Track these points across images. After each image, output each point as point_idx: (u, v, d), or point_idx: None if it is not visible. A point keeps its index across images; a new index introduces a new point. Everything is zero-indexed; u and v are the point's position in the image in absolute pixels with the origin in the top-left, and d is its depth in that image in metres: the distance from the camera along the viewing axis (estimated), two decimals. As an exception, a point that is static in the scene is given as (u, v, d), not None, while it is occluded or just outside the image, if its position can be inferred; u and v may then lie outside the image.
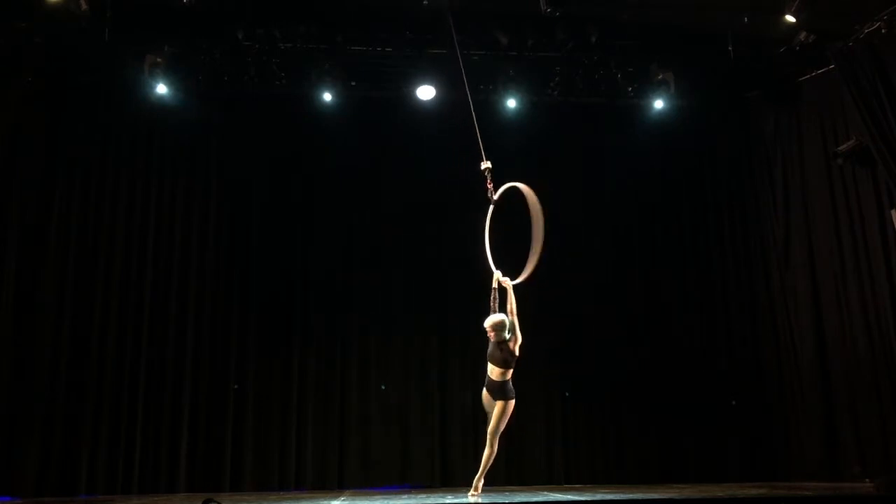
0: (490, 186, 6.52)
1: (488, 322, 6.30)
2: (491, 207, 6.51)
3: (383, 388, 8.91)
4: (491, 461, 6.35)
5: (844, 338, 8.62)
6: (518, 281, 6.36)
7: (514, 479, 8.72)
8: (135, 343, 8.53)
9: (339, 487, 8.48)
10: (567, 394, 9.12)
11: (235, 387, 8.65)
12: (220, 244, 9.00)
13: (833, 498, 6.39)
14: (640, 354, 9.22)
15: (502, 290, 6.32)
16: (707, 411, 9.06)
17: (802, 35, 8.32)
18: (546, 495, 6.97)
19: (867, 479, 7.76)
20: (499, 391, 6.24)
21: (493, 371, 6.28)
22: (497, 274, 6.33)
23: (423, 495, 7.29)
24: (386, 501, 6.69)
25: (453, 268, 9.00)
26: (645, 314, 9.40)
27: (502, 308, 6.31)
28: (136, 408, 8.37)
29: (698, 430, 9.01)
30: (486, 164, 6.56)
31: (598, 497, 6.40)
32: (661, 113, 9.24)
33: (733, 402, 9.13)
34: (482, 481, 6.42)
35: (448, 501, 6.30)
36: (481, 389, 9.01)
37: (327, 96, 8.88)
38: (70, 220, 8.64)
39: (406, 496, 7.32)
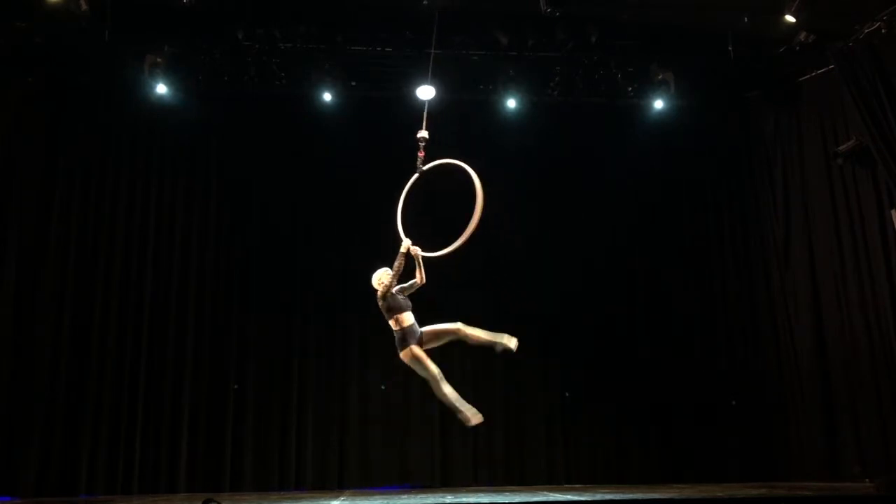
0: (421, 155, 6.41)
1: (381, 276, 6.23)
2: (415, 176, 6.37)
3: (383, 388, 8.91)
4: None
5: (844, 338, 8.61)
6: (440, 253, 6.28)
7: (515, 479, 8.74)
8: (135, 343, 8.53)
9: (339, 487, 8.48)
10: (567, 394, 9.12)
11: (235, 387, 8.65)
12: (220, 244, 9.00)
13: (833, 498, 6.39)
14: (640, 354, 9.22)
15: (409, 260, 6.20)
16: (707, 411, 9.06)
17: (802, 35, 8.31)
18: (546, 495, 6.97)
19: (867, 479, 7.76)
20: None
21: (410, 317, 6.25)
22: (406, 242, 6.21)
23: (423, 495, 7.30)
24: (386, 501, 6.69)
25: (453, 267, 8.98)
26: (645, 314, 9.41)
27: (408, 276, 6.24)
28: (136, 408, 8.37)
29: (698, 430, 9.01)
30: (422, 133, 6.44)
31: (598, 497, 6.40)
32: (661, 113, 9.24)
33: (733, 402, 9.13)
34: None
35: (448, 501, 6.30)
36: (483, 388, 9.08)
37: (327, 96, 8.88)
38: (70, 220, 8.64)
39: (406, 496, 7.32)
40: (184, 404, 8.47)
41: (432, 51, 7.17)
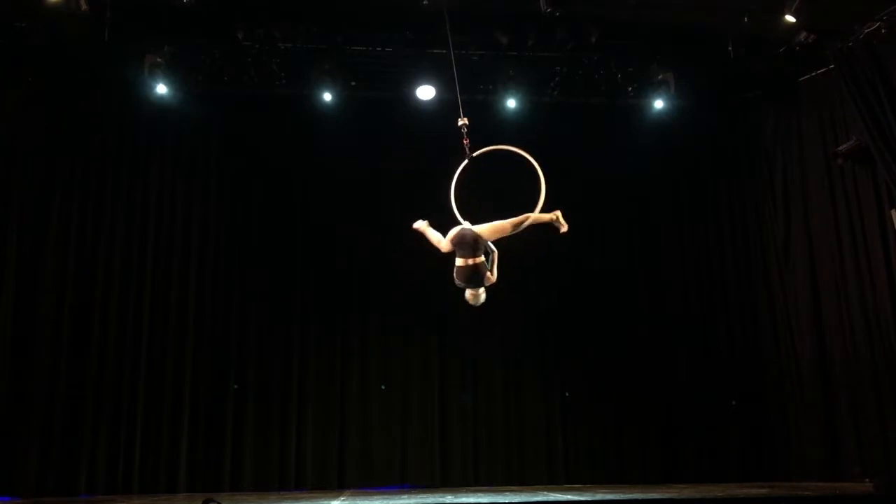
0: (466, 143, 6.42)
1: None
2: (465, 161, 6.29)
3: (383, 388, 8.91)
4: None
5: (844, 338, 8.61)
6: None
7: (514, 479, 8.74)
8: (135, 343, 8.53)
9: (339, 487, 8.48)
10: (567, 394, 9.12)
11: (235, 387, 8.65)
12: (220, 244, 9.00)
13: (833, 498, 6.40)
14: (640, 354, 9.22)
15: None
16: (707, 411, 9.06)
17: (802, 35, 8.32)
18: (546, 495, 6.98)
19: (867, 479, 7.76)
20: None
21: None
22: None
23: (423, 495, 7.30)
24: (386, 501, 6.70)
25: (453, 267, 8.98)
26: (645, 314, 9.40)
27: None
28: (136, 408, 8.37)
29: (698, 430, 9.01)
30: (463, 121, 6.43)
31: (598, 497, 6.41)
32: (661, 113, 9.23)
33: (733, 402, 9.13)
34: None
35: (448, 501, 6.31)
36: (483, 386, 9.08)
37: (327, 96, 8.87)
38: (70, 220, 8.64)
39: (406, 496, 7.33)
40: (184, 404, 8.46)
41: (451, 50, 7.12)
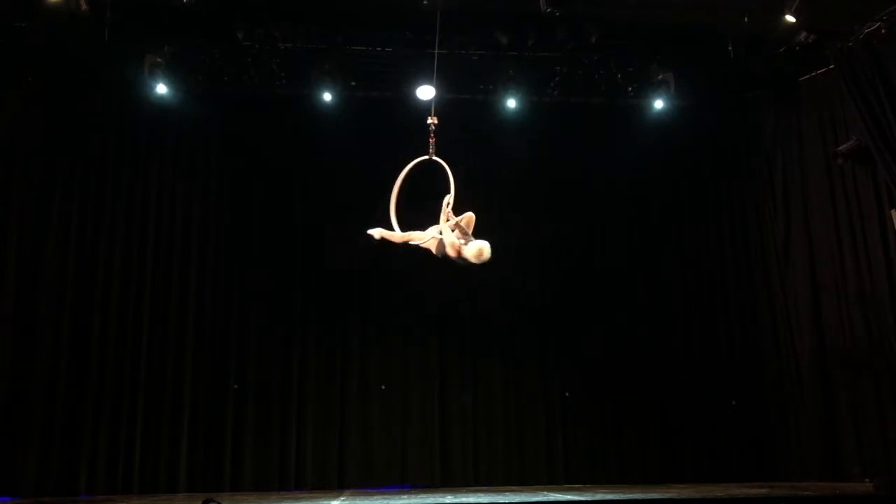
0: (432, 141, 6.43)
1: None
2: (422, 158, 6.41)
3: (383, 388, 8.91)
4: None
5: (844, 338, 8.61)
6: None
7: (514, 479, 8.73)
8: (135, 343, 8.53)
9: (339, 487, 8.48)
10: (567, 394, 9.12)
11: (235, 387, 8.65)
12: (220, 244, 8.99)
13: (833, 498, 6.40)
14: (640, 354, 9.22)
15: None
16: (707, 411, 9.06)
17: (802, 35, 8.32)
18: (546, 495, 6.98)
19: (867, 479, 7.77)
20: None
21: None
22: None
23: (423, 495, 7.30)
24: (386, 501, 6.70)
25: (453, 267, 8.98)
26: (645, 314, 9.40)
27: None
28: (136, 408, 8.37)
29: (698, 430, 9.01)
30: (431, 120, 6.46)
31: (598, 497, 6.42)
32: (661, 113, 9.23)
33: (733, 402, 9.13)
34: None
35: (448, 501, 6.31)
36: (483, 386, 9.07)
37: (327, 96, 8.87)
38: (70, 220, 8.63)
39: (406, 496, 7.33)
40: (184, 404, 8.46)
41: (436, 51, 7.14)
